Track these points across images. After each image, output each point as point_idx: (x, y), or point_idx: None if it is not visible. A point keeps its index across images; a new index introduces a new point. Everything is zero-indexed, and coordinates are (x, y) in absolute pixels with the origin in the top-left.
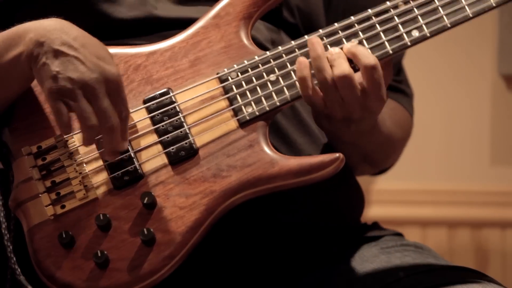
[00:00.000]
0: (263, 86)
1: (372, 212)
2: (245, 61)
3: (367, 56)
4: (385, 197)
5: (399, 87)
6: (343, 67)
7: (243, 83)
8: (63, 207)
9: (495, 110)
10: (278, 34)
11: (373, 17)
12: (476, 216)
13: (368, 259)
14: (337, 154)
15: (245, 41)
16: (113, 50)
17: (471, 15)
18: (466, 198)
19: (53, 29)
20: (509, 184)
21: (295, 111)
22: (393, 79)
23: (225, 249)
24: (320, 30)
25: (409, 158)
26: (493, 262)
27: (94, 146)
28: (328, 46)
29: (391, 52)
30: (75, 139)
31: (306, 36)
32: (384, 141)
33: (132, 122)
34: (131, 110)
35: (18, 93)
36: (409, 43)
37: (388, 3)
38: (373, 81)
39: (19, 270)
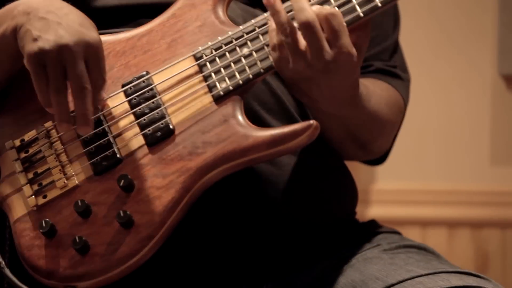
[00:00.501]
0: (237, 61)
1: (372, 212)
2: (219, 37)
3: (321, 7)
4: (385, 197)
5: (393, 71)
6: (305, 12)
7: (217, 59)
8: (45, 197)
9: (495, 110)
10: (253, 12)
11: None
12: (476, 216)
13: (371, 260)
14: (311, 122)
15: (221, 17)
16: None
17: None
18: (466, 198)
19: (40, 1)
20: (509, 184)
21: (284, 108)
22: (386, 64)
23: (218, 244)
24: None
25: (409, 158)
26: (493, 262)
27: (75, 134)
28: None
29: (362, 15)
30: (55, 129)
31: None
32: (369, 118)
33: (110, 108)
34: (109, 95)
35: (10, 73)
36: (379, 4)
37: None
38: (331, 28)
39: (3, 262)
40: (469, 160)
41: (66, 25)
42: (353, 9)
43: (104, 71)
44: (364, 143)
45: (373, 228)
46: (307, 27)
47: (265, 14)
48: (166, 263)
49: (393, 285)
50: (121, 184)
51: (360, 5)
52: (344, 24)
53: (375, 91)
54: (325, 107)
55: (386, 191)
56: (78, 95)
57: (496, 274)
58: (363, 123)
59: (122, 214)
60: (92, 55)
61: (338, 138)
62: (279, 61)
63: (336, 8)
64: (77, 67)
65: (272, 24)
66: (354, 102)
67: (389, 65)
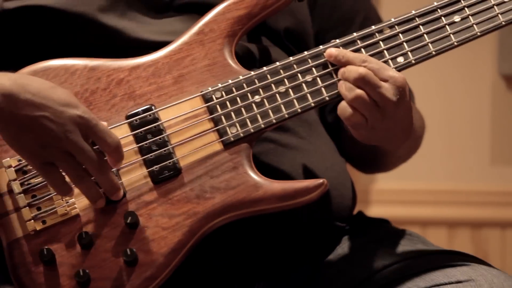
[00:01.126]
0: (248, 107)
1: (372, 212)
2: (229, 80)
3: (354, 56)
4: (385, 197)
5: None
6: (355, 70)
7: (228, 103)
8: (44, 222)
9: (495, 110)
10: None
11: (358, 41)
12: (476, 216)
13: (357, 249)
14: (321, 180)
15: (229, 59)
16: (95, 62)
17: (456, 44)
18: (466, 198)
19: (12, 90)
20: (509, 184)
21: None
22: None
23: (211, 243)
24: (305, 52)
25: None
26: (493, 262)
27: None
28: (314, 69)
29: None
30: None
31: (291, 58)
32: (415, 142)
33: None
34: (113, 126)
35: None
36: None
37: (373, 27)
38: (373, 69)
39: None
40: (469, 160)
41: (51, 114)
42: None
43: (107, 133)
44: (403, 161)
45: (360, 220)
46: (363, 79)
47: (277, 63)
48: None
49: (380, 270)
50: (128, 221)
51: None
52: (378, 61)
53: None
54: (396, 144)
55: (386, 191)
56: (98, 172)
57: None
58: (410, 149)
59: (129, 252)
60: (87, 127)
61: (390, 163)
62: (356, 123)
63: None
64: (83, 148)
65: (345, 84)
66: (412, 126)
67: None
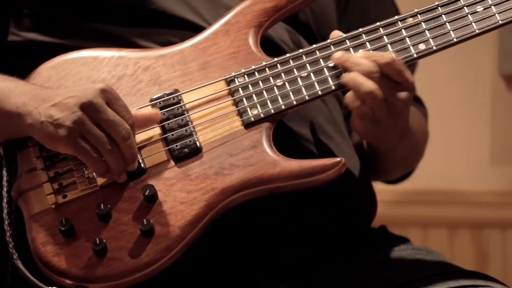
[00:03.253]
0: (269, 90)
1: None
2: (253, 66)
3: (381, 55)
4: (386, 197)
5: (415, 96)
6: (371, 64)
7: (250, 86)
8: (64, 196)
9: (495, 110)
10: (296, 36)
11: (381, 29)
12: (476, 217)
13: (380, 261)
14: (339, 158)
15: (254, 48)
16: (122, 52)
17: (477, 31)
18: (466, 198)
19: (37, 93)
20: (509, 184)
21: (337, 127)
22: None
23: (240, 241)
24: (328, 40)
25: None
26: (493, 262)
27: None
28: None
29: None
30: None
31: (314, 45)
32: (414, 145)
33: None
34: (138, 107)
35: None
36: (415, 55)
37: (396, 16)
38: (397, 71)
39: (16, 254)
40: (469, 160)
41: (72, 92)
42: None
43: (127, 107)
44: (408, 167)
45: (383, 235)
46: (392, 66)
47: (300, 50)
48: (186, 257)
49: (403, 284)
50: (147, 193)
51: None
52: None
53: (415, 130)
54: (392, 143)
55: (386, 191)
56: (123, 138)
57: (496, 274)
58: (409, 151)
59: (145, 222)
60: (111, 97)
61: (389, 167)
62: (363, 113)
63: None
64: (108, 112)
65: (356, 78)
66: (405, 132)
67: None
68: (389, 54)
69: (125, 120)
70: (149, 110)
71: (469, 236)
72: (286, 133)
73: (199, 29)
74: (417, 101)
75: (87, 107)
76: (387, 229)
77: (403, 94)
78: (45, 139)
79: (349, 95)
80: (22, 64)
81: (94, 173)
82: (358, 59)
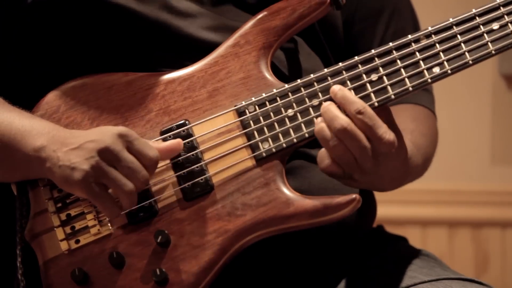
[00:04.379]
0: (281, 121)
1: None
2: (263, 94)
3: (352, 101)
4: (386, 197)
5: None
6: (338, 120)
7: (261, 118)
8: (77, 242)
9: (495, 110)
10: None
11: (394, 51)
12: (476, 216)
13: (375, 266)
14: (354, 195)
15: (265, 72)
16: (131, 77)
17: (493, 52)
18: (466, 198)
19: (56, 135)
20: (509, 184)
21: None
22: None
23: (242, 254)
24: (340, 64)
25: None
26: (493, 262)
27: None
28: (348, 81)
29: (411, 89)
30: None
31: (325, 69)
32: (420, 168)
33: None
34: (151, 140)
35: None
36: (429, 80)
37: (409, 36)
38: (365, 125)
39: (23, 283)
40: (469, 160)
41: (90, 137)
42: (403, 83)
43: (147, 146)
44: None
45: (380, 235)
46: (344, 132)
47: (311, 75)
48: None
49: None
50: (159, 240)
51: (410, 80)
52: (374, 114)
53: (420, 133)
54: (387, 187)
55: None
56: (141, 183)
57: (496, 274)
58: (416, 174)
59: (158, 272)
60: (130, 139)
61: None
62: (334, 175)
63: (386, 80)
64: (127, 159)
65: (325, 132)
66: (408, 170)
67: None
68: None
69: (149, 158)
70: (171, 142)
71: (469, 236)
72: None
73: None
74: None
75: (105, 153)
76: (384, 229)
77: (372, 155)
78: (62, 183)
79: (320, 153)
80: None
81: (106, 217)
82: (333, 114)
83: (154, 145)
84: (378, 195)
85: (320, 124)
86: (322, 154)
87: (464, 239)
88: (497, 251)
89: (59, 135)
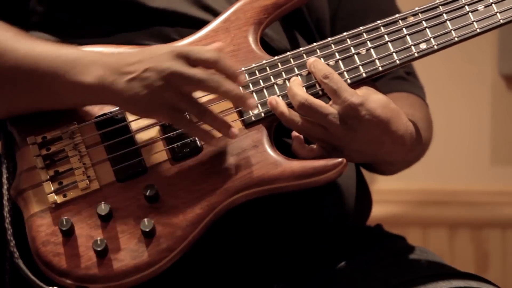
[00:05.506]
0: (270, 88)
1: (373, 212)
2: (253, 64)
3: (320, 69)
4: (385, 197)
5: (404, 77)
6: (296, 97)
7: (250, 85)
8: (65, 196)
9: (495, 110)
10: (292, 33)
11: (382, 28)
12: (476, 216)
13: (374, 261)
14: (340, 159)
15: (254, 45)
16: (121, 49)
17: (478, 30)
18: (466, 198)
19: (119, 57)
20: (509, 184)
21: None
22: (404, 71)
23: (233, 244)
24: (329, 38)
25: None
26: (493, 262)
27: (98, 139)
28: (336, 53)
29: (398, 62)
30: (80, 132)
31: (314, 44)
32: (421, 149)
33: (137, 118)
34: None
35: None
36: (416, 55)
37: (397, 15)
38: (330, 89)
39: (17, 253)
40: (469, 160)
41: (146, 64)
42: (391, 57)
43: (202, 51)
44: (406, 167)
45: (379, 233)
46: (303, 108)
47: (301, 48)
48: (178, 262)
49: (396, 285)
50: (148, 193)
51: (398, 54)
52: (340, 79)
53: (418, 118)
54: (387, 157)
55: (386, 191)
56: (219, 89)
57: (496, 274)
58: (417, 156)
59: (146, 222)
60: (184, 55)
61: (397, 169)
62: (316, 138)
63: (374, 54)
64: (194, 76)
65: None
66: (404, 142)
67: (406, 71)
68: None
69: (211, 60)
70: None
71: (469, 236)
72: (285, 129)
73: (203, 24)
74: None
75: (172, 78)
76: (382, 227)
77: (338, 120)
78: (139, 113)
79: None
80: None
81: (94, 174)
82: (293, 91)
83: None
84: (378, 195)
85: (278, 109)
86: (296, 145)
87: (464, 240)
88: (497, 251)
89: (111, 61)
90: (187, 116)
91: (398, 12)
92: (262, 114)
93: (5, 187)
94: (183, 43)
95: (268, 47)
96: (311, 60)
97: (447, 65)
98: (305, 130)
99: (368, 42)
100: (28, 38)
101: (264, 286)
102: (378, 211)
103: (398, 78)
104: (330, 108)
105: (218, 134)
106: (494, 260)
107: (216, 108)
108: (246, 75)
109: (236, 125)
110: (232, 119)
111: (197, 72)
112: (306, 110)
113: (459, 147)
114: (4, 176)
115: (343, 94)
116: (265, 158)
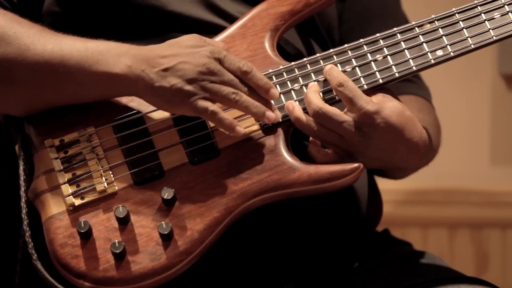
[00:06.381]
0: (287, 93)
1: None
2: (270, 70)
3: (335, 76)
4: (385, 197)
5: (410, 78)
6: (311, 105)
7: None
8: (82, 198)
9: (495, 110)
10: (307, 39)
11: (398, 35)
12: (476, 216)
13: (381, 265)
14: (357, 164)
15: (270, 51)
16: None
17: (494, 38)
18: (466, 198)
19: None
20: (509, 184)
21: None
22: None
23: (245, 244)
24: (345, 45)
25: None
26: (493, 262)
27: (116, 142)
28: (353, 60)
29: (415, 69)
30: (97, 135)
31: (331, 50)
32: (432, 154)
33: (156, 120)
34: (155, 108)
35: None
36: (433, 61)
37: (413, 22)
38: (345, 97)
39: (35, 255)
40: (469, 160)
41: (181, 58)
42: (407, 64)
43: (237, 59)
44: (413, 172)
45: (387, 238)
46: (317, 116)
47: (318, 54)
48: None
49: None
50: (165, 196)
51: (414, 60)
52: (355, 87)
53: (428, 123)
54: (401, 164)
55: (386, 191)
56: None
57: (496, 274)
58: (428, 161)
59: (164, 225)
60: (219, 58)
61: (401, 176)
62: (331, 143)
63: (390, 61)
64: (227, 76)
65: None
66: (418, 149)
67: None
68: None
69: (243, 70)
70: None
71: (469, 236)
72: (302, 135)
73: (219, 29)
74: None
75: (204, 73)
76: (390, 233)
77: (354, 127)
78: (164, 103)
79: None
80: None
81: (112, 177)
82: (309, 98)
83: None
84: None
85: (294, 114)
86: (311, 148)
87: (464, 240)
88: (497, 251)
89: (140, 53)
90: (212, 107)
91: (404, 16)
92: (279, 119)
93: (22, 189)
94: None
95: (284, 52)
96: (327, 67)
97: (447, 65)
98: (320, 136)
99: (384, 48)
100: (53, 34)
101: (275, 285)
102: None
103: (405, 81)
104: (345, 116)
105: (242, 126)
106: (494, 260)
107: (233, 113)
108: None
109: (254, 129)
110: (250, 123)
111: (230, 75)
112: (321, 118)
113: (459, 147)
114: (22, 178)
115: (359, 102)
116: (282, 163)
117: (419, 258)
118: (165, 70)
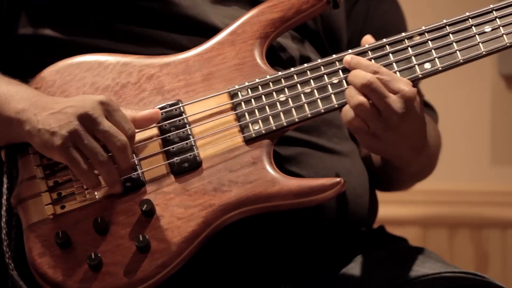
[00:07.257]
0: (272, 105)
1: None
2: (256, 79)
3: (366, 64)
4: (386, 197)
5: (425, 101)
6: (362, 74)
7: (253, 100)
8: (63, 207)
9: (495, 110)
10: (302, 44)
11: (387, 46)
12: (476, 216)
13: (378, 261)
14: (338, 179)
15: (259, 60)
16: (127, 58)
17: (484, 53)
18: (466, 198)
19: (37, 100)
20: (509, 184)
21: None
22: None
23: (240, 245)
24: (334, 55)
25: None
26: (493, 262)
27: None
28: (340, 71)
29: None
30: None
31: (319, 60)
32: (432, 156)
33: (140, 130)
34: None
35: None
36: (420, 75)
37: (403, 34)
38: (383, 81)
39: (12, 265)
40: (469, 160)
41: (71, 102)
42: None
43: (127, 119)
44: (422, 177)
45: (382, 235)
46: (369, 87)
47: (305, 65)
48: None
49: (401, 284)
50: (144, 208)
51: (402, 74)
52: (390, 72)
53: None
54: (405, 159)
55: None
56: (119, 149)
57: (496, 274)
58: (424, 167)
59: (141, 238)
60: (110, 109)
61: (403, 180)
62: (357, 127)
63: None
64: (105, 124)
65: (351, 89)
66: (425, 144)
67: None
68: (371, 71)
69: (124, 132)
70: (148, 111)
71: (469, 236)
72: (287, 139)
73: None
74: (427, 106)
75: (84, 118)
76: (385, 229)
77: (397, 107)
78: (41, 147)
79: (344, 109)
80: (30, 58)
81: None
82: (357, 71)
83: (133, 113)
84: (378, 195)
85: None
86: (347, 109)
87: (464, 240)
88: (497, 251)
89: (42, 100)
90: (83, 164)
91: None
92: (263, 131)
93: (4, 197)
94: (191, 54)
95: (277, 57)
96: (350, 58)
97: None
98: (358, 108)
99: (373, 61)
100: None
101: (271, 286)
102: (379, 211)
103: None
104: (391, 94)
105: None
106: (494, 260)
107: (217, 123)
108: (249, 90)
109: (236, 141)
110: (233, 134)
111: (108, 125)
112: (370, 88)
113: (459, 147)
114: (5, 185)
115: (398, 83)
116: (263, 176)
117: (415, 253)
118: (52, 113)
